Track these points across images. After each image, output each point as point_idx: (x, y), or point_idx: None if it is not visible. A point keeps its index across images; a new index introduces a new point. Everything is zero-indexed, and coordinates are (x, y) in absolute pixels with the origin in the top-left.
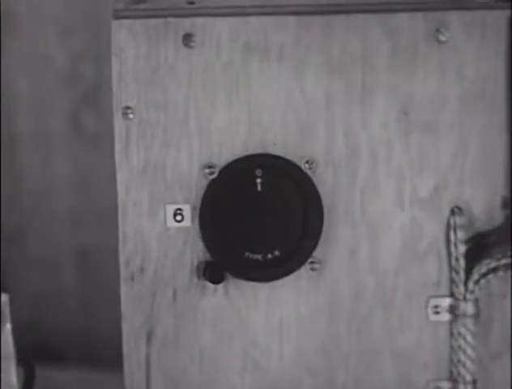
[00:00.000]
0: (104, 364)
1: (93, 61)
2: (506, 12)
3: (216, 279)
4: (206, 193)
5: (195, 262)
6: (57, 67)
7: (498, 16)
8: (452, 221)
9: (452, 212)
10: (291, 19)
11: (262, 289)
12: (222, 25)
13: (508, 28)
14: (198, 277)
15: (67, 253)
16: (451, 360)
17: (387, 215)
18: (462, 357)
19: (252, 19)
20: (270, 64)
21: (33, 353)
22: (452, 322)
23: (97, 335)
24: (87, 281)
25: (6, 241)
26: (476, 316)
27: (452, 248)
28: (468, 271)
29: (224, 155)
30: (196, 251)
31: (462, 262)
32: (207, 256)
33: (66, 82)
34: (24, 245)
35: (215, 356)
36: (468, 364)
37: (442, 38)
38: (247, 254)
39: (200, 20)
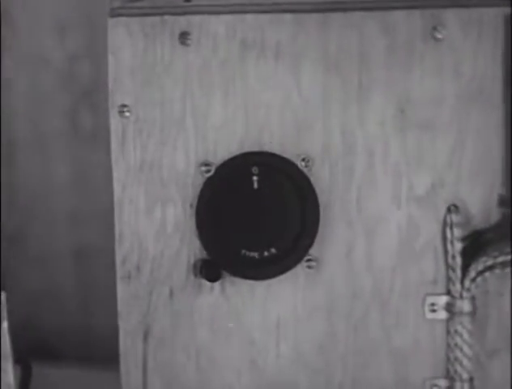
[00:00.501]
0: (103, 362)
1: (91, 60)
2: (503, 10)
3: (213, 278)
4: (202, 191)
5: (192, 261)
6: (55, 67)
7: (495, 14)
8: (449, 219)
9: (449, 210)
10: (287, 17)
11: (258, 287)
12: (218, 23)
13: (505, 26)
14: (195, 275)
15: (65, 252)
16: (448, 358)
17: (384, 213)
18: (459, 355)
19: (248, 16)
20: (267, 62)
21: (31, 352)
22: (449, 320)
23: (95, 333)
24: (85, 280)
25: (5, 241)
26: (473, 314)
27: (449, 246)
28: (465, 268)
29: (221, 153)
30: (193, 249)
31: (458, 260)
32: (204, 254)
33: (64, 81)
34: (23, 244)
35: (212, 355)
36: (465, 362)
37: (439, 36)
38: (244, 251)
39: (196, 18)
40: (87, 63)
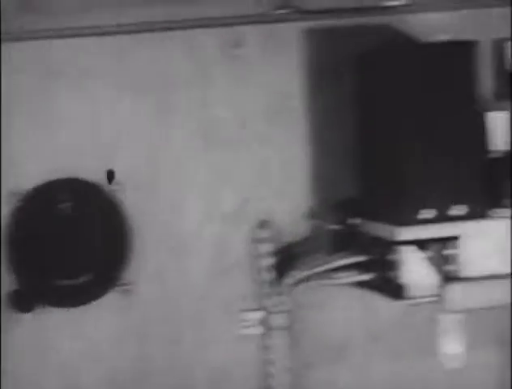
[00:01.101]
0: None
1: None
2: (301, 24)
3: (25, 309)
4: (11, 221)
5: (5, 293)
6: None
7: (293, 29)
8: (257, 234)
9: (257, 226)
10: (94, 40)
11: (73, 314)
12: (25, 48)
13: (305, 40)
14: (9, 307)
15: None
16: (263, 372)
17: (193, 232)
18: (273, 370)
19: (55, 42)
20: (74, 86)
21: None
22: (263, 335)
23: None
24: None
25: None
26: (287, 328)
27: (259, 261)
28: (276, 283)
29: (29, 181)
30: (5, 281)
31: (269, 274)
32: (17, 285)
33: None
34: None
35: (30, 383)
36: (279, 376)
37: (238, 52)
38: (56, 280)
39: (3, 45)
40: None
